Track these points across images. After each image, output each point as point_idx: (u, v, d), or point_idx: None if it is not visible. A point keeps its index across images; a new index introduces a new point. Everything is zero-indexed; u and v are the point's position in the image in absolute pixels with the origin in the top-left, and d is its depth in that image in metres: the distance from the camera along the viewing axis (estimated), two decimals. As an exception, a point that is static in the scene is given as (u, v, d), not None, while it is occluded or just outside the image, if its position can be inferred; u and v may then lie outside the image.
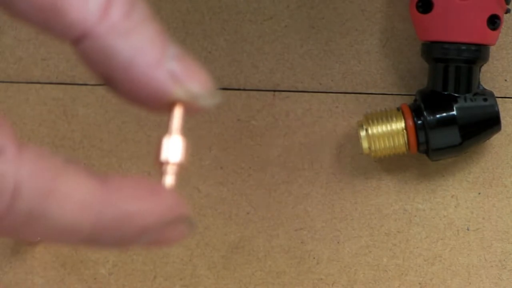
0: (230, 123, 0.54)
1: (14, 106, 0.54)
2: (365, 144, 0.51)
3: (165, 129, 0.27)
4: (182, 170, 0.26)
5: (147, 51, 0.25)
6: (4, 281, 0.54)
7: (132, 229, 0.24)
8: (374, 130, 0.51)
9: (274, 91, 0.54)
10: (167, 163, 0.26)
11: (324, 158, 0.54)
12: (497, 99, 0.51)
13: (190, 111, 0.26)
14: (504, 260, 0.54)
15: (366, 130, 0.51)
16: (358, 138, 0.51)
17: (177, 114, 0.26)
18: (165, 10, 0.54)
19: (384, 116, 0.51)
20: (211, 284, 0.54)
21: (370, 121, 0.51)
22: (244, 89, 0.54)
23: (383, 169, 0.54)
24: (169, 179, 0.26)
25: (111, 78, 0.25)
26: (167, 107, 0.26)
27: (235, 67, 0.54)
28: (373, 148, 0.51)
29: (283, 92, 0.54)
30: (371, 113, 0.52)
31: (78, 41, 0.25)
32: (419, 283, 0.54)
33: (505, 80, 0.54)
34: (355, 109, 0.54)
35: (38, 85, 0.54)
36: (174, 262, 0.54)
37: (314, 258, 0.54)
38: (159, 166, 0.26)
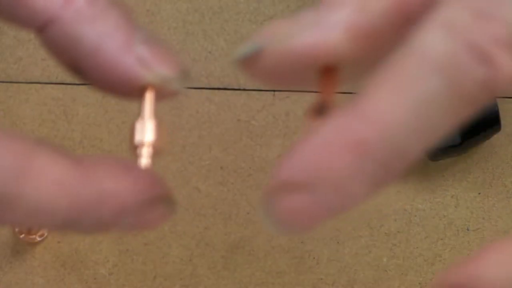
0: (230, 123, 0.54)
1: (14, 106, 0.54)
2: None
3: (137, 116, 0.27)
4: (158, 152, 0.26)
5: (113, 36, 0.24)
6: (4, 281, 0.54)
7: (109, 210, 0.23)
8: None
9: (274, 91, 0.54)
10: (141, 145, 0.26)
11: (324, 158, 0.54)
12: (497, 99, 0.51)
13: (162, 95, 0.26)
14: (504, 260, 0.54)
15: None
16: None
17: (149, 98, 0.26)
18: (165, 10, 0.54)
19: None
20: (211, 284, 0.54)
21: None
22: (244, 89, 0.54)
23: (383, 169, 0.54)
24: (144, 161, 0.26)
25: (79, 65, 0.25)
26: (138, 92, 0.26)
27: (235, 67, 0.54)
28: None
29: (283, 92, 0.54)
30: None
31: (43, 28, 0.24)
32: (419, 283, 0.54)
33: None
34: (355, 109, 0.54)
35: (38, 85, 0.54)
36: (174, 262, 0.54)
37: (314, 258, 0.54)
38: (134, 150, 0.26)
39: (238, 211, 0.54)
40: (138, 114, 0.27)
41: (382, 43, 0.22)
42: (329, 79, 0.24)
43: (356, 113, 0.21)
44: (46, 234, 0.53)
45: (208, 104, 0.54)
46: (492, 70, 0.20)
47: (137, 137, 0.26)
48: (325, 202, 0.22)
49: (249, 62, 0.24)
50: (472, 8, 0.20)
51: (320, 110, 0.24)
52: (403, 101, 0.21)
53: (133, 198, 0.24)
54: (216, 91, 0.54)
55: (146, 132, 0.26)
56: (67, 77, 0.54)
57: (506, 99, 0.54)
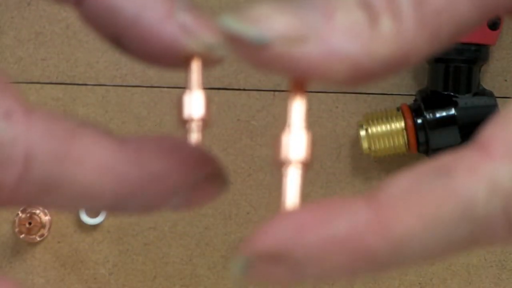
0: (230, 123, 0.54)
1: (14, 106, 0.54)
2: (365, 144, 0.51)
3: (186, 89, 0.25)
4: (207, 124, 0.25)
5: (154, 5, 0.23)
6: (4, 281, 0.54)
7: (159, 191, 0.22)
8: (374, 130, 0.51)
9: (274, 91, 0.54)
10: (191, 119, 0.25)
11: (324, 158, 0.54)
12: (497, 99, 0.51)
13: (207, 64, 0.25)
14: (504, 260, 0.54)
15: (366, 130, 0.51)
16: (358, 138, 0.51)
17: (195, 68, 0.24)
18: None
19: (384, 116, 0.51)
20: (211, 284, 0.54)
21: (370, 121, 0.51)
22: (244, 89, 0.54)
23: (383, 169, 0.54)
24: (194, 136, 0.24)
25: (119, 37, 0.24)
26: (183, 62, 0.24)
27: (235, 67, 0.54)
28: (373, 148, 0.51)
29: (283, 92, 0.54)
30: (371, 113, 0.52)
31: (80, 1, 0.24)
32: (419, 283, 0.54)
33: (505, 80, 0.54)
34: (355, 109, 0.54)
35: (38, 85, 0.54)
36: (174, 262, 0.54)
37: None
38: (183, 124, 0.25)
39: (238, 211, 0.54)
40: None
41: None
42: (301, 93, 0.23)
43: (375, 221, 0.21)
44: (46, 234, 0.53)
45: (208, 104, 0.54)
46: (510, 237, 0.21)
47: (186, 111, 0.25)
48: (303, 277, 0.21)
49: (246, 49, 0.21)
50: None
51: (287, 139, 0.22)
52: (427, 231, 0.21)
53: (182, 178, 0.23)
54: (216, 91, 0.54)
55: (196, 105, 0.25)
56: (67, 77, 0.54)
57: (507, 99, 0.54)
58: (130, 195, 0.22)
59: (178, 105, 0.25)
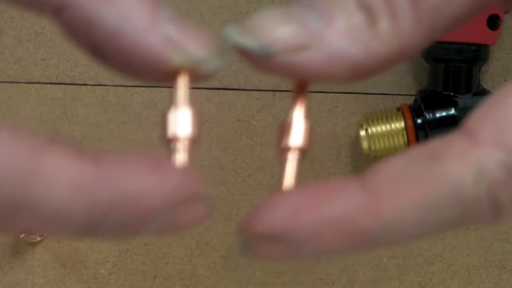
0: (230, 123, 0.54)
1: (14, 106, 0.54)
2: (365, 144, 0.51)
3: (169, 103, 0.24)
4: (194, 145, 0.23)
5: (135, 16, 0.22)
6: (4, 281, 0.54)
7: (136, 212, 0.21)
8: (374, 130, 0.51)
9: (274, 91, 0.54)
10: (175, 139, 0.23)
11: (324, 158, 0.54)
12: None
13: (197, 78, 0.23)
14: (504, 260, 0.54)
15: (366, 130, 0.51)
16: (358, 138, 0.51)
17: (182, 84, 0.23)
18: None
19: (384, 116, 0.51)
20: (211, 284, 0.54)
21: (370, 121, 0.51)
22: (244, 89, 0.54)
23: (383, 169, 0.54)
24: (180, 157, 0.23)
25: (99, 50, 0.23)
26: (170, 76, 0.23)
27: (235, 67, 0.54)
28: (373, 148, 0.51)
29: (283, 92, 0.54)
30: (371, 113, 0.52)
31: (59, 12, 0.23)
32: (419, 283, 0.54)
33: (505, 80, 0.54)
34: (355, 109, 0.54)
35: (38, 85, 0.54)
36: (174, 262, 0.54)
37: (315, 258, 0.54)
38: (167, 144, 0.23)
39: (238, 211, 0.54)
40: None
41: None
42: (303, 92, 0.24)
43: (367, 204, 0.22)
44: (46, 234, 0.53)
45: (208, 104, 0.54)
46: (495, 219, 0.22)
47: (171, 130, 0.23)
48: (300, 255, 0.22)
49: (252, 58, 0.22)
50: (505, 162, 0.22)
51: (288, 129, 0.23)
52: (417, 212, 0.22)
53: (162, 198, 0.21)
54: (216, 91, 0.54)
55: (181, 123, 0.23)
56: (67, 77, 0.54)
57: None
58: (105, 217, 0.21)
59: (162, 123, 0.23)
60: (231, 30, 0.23)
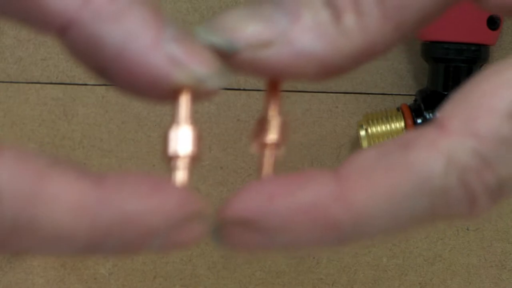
0: (230, 123, 0.54)
1: (14, 106, 0.54)
2: (365, 144, 0.51)
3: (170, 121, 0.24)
4: (195, 163, 0.24)
5: (139, 35, 0.22)
6: (4, 281, 0.54)
7: (137, 233, 0.21)
8: (374, 130, 0.51)
9: (274, 91, 0.54)
10: (176, 157, 0.23)
11: (324, 158, 0.54)
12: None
13: (199, 97, 0.23)
14: (504, 260, 0.54)
15: (366, 130, 0.51)
16: (358, 138, 0.51)
17: (184, 102, 0.23)
18: (165, 10, 0.54)
19: (384, 116, 0.51)
20: (211, 284, 0.54)
21: (370, 121, 0.51)
22: (244, 89, 0.54)
23: (383, 169, 0.54)
24: (180, 175, 0.23)
25: (104, 69, 0.23)
26: (172, 95, 0.23)
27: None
28: (373, 148, 0.51)
29: (282, 92, 0.54)
30: (371, 113, 0.52)
31: (63, 31, 0.22)
32: (419, 283, 0.54)
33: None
34: (355, 109, 0.54)
35: (38, 85, 0.54)
36: (174, 262, 0.54)
37: (314, 258, 0.54)
38: (168, 162, 0.23)
39: (238, 211, 0.54)
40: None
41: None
42: (275, 91, 0.25)
43: (337, 193, 0.22)
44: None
45: (208, 104, 0.54)
46: (471, 211, 0.22)
47: (172, 148, 0.23)
48: (274, 245, 0.22)
49: (221, 54, 0.23)
50: (475, 149, 0.22)
51: (263, 125, 0.24)
52: (386, 203, 0.22)
53: (162, 219, 0.22)
54: (216, 91, 0.54)
55: (183, 142, 0.23)
56: (67, 77, 0.54)
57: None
58: (105, 238, 0.21)
59: (164, 141, 0.23)
60: (201, 29, 0.23)
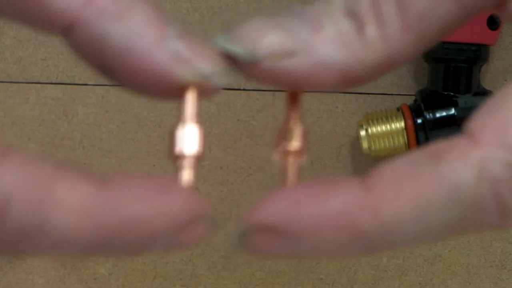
0: (230, 123, 0.54)
1: (14, 106, 0.54)
2: (365, 144, 0.51)
3: (176, 118, 0.24)
4: (199, 162, 0.23)
5: (143, 33, 0.22)
6: (4, 281, 0.54)
7: (141, 234, 0.22)
8: (374, 130, 0.51)
9: (274, 91, 0.54)
10: (182, 156, 0.23)
11: (324, 158, 0.54)
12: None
13: (205, 94, 0.23)
14: (504, 260, 0.54)
15: (366, 130, 0.51)
16: (358, 138, 0.51)
17: (190, 100, 0.23)
18: (165, 10, 0.54)
19: (384, 116, 0.51)
20: (211, 284, 0.54)
21: (370, 121, 0.51)
22: (244, 89, 0.54)
23: (383, 169, 0.54)
24: (185, 174, 0.23)
25: (109, 68, 0.23)
26: (178, 92, 0.23)
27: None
28: (373, 148, 0.51)
29: (283, 92, 0.54)
30: (371, 113, 0.52)
31: (67, 31, 0.23)
32: (419, 283, 0.54)
33: (505, 80, 0.54)
34: (355, 109, 0.54)
35: (38, 85, 0.54)
36: (174, 262, 0.54)
37: (314, 258, 0.54)
38: (173, 161, 0.23)
39: (238, 211, 0.54)
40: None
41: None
42: (296, 102, 0.25)
43: (365, 201, 0.22)
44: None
45: (208, 104, 0.54)
46: (502, 223, 0.22)
47: (178, 147, 0.23)
48: (298, 252, 0.22)
49: (241, 64, 0.23)
50: (508, 160, 0.21)
51: (285, 134, 0.24)
52: (415, 213, 0.22)
53: (169, 220, 0.22)
54: (216, 91, 0.54)
55: (189, 141, 0.23)
56: (67, 77, 0.54)
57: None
58: (111, 240, 0.22)
59: (170, 139, 0.23)
60: (220, 37, 0.23)
